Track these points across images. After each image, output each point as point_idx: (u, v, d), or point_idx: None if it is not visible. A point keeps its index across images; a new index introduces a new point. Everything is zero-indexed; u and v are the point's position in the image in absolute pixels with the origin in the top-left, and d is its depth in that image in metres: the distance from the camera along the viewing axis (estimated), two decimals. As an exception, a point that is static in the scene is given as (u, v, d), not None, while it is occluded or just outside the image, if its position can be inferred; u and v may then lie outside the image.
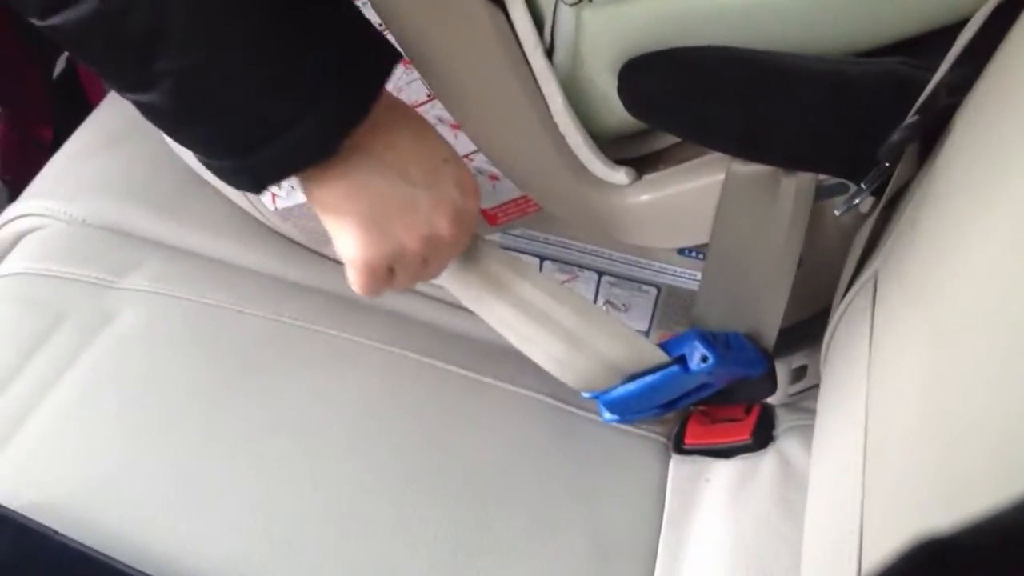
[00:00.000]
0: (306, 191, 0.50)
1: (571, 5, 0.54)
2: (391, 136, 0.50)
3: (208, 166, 0.48)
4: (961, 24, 0.51)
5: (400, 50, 0.50)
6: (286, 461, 0.59)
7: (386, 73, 0.48)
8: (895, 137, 0.52)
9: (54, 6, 0.42)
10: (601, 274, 0.72)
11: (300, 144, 0.46)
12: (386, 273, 0.52)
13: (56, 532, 0.52)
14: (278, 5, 0.44)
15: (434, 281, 0.60)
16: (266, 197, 0.72)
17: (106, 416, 0.61)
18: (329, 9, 0.46)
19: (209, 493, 0.57)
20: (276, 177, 0.47)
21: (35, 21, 0.43)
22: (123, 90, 0.45)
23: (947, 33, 0.52)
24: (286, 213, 0.73)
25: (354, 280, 0.52)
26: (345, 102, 0.47)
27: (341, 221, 0.50)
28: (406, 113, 0.52)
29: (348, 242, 0.50)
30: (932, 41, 0.54)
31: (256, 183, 0.48)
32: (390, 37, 0.58)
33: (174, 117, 0.46)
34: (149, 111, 0.46)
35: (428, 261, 0.53)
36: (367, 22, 0.48)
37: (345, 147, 0.47)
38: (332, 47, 0.46)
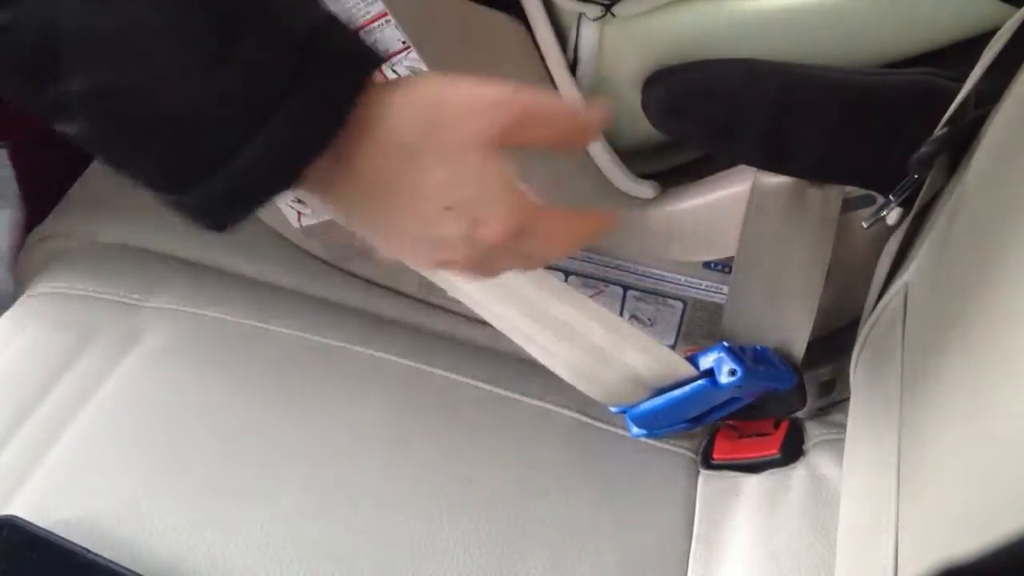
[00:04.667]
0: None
1: (594, 20, 0.54)
2: (374, 165, 0.39)
3: (160, 202, 0.40)
4: (989, 34, 0.50)
5: (380, 54, 0.39)
6: (315, 478, 0.59)
7: (359, 85, 0.37)
8: (925, 149, 0.51)
9: None
10: (626, 289, 0.72)
11: (245, 174, 0.36)
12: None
13: (87, 550, 0.53)
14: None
15: (458, 295, 0.60)
16: (291, 215, 0.73)
17: (135, 434, 0.61)
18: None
19: (238, 510, 0.57)
20: (231, 214, 0.38)
21: None
22: (48, 120, 0.37)
23: (975, 43, 0.52)
24: (310, 231, 0.73)
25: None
26: (307, 117, 0.36)
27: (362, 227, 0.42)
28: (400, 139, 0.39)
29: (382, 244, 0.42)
30: (960, 51, 0.54)
31: (210, 220, 0.39)
32: (412, 58, 0.58)
33: (98, 147, 0.38)
34: (80, 142, 0.37)
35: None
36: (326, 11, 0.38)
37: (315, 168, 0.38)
38: (281, 44, 0.36)
